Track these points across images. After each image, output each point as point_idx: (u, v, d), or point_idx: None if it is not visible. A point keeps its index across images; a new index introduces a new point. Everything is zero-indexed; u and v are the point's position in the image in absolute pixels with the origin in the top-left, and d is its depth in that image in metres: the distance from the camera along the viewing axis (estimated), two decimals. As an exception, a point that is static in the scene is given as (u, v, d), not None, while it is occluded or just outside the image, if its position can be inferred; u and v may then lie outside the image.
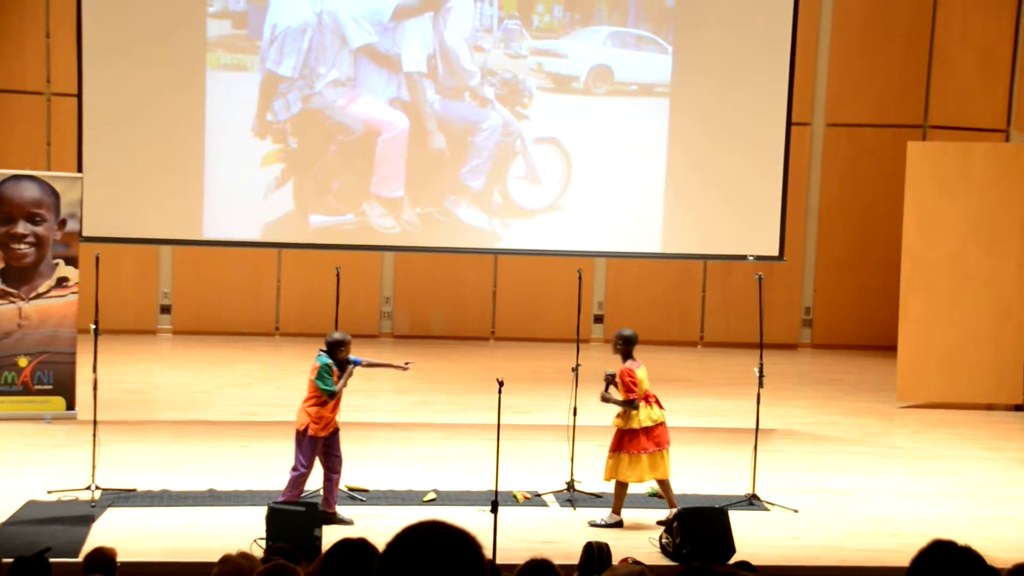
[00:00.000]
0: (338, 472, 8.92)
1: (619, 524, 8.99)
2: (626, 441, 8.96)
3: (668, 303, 16.52)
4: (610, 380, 9.05)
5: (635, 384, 8.94)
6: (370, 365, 9.40)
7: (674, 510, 8.81)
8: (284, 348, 15.55)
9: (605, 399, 9.05)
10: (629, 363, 9.02)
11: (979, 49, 15.80)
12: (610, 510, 9.06)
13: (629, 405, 8.93)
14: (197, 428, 11.50)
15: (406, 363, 9.28)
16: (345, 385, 8.91)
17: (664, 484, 9.08)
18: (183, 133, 12.40)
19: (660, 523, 8.90)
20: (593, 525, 8.97)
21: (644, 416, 8.96)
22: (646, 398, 9.02)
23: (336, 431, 8.94)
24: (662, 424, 9.02)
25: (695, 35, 12.92)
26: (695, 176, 12.95)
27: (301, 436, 8.79)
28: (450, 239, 12.94)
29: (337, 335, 8.99)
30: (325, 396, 8.76)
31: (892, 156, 15.61)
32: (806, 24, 14.74)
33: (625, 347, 9.08)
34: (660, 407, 9.07)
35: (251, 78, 12.51)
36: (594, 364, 15.06)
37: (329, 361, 8.82)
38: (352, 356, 8.98)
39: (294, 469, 8.79)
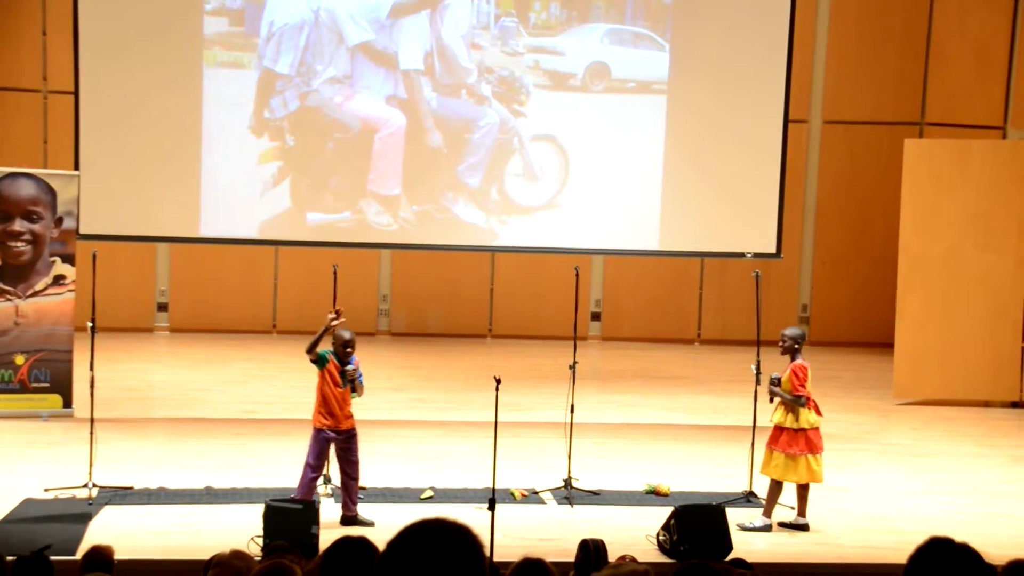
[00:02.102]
0: (354, 477, 8.88)
1: (768, 528, 8.97)
2: (785, 440, 8.95)
3: (665, 300, 16.53)
4: (776, 383, 9.01)
5: (805, 382, 8.94)
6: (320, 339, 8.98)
7: (802, 519, 8.92)
8: (281, 346, 15.54)
9: (773, 393, 9.03)
10: (801, 361, 9.01)
11: (976, 46, 15.80)
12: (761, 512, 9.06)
13: (796, 401, 8.92)
14: (194, 426, 11.49)
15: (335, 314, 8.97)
16: (340, 397, 8.81)
17: (805, 489, 9.05)
18: (180, 130, 12.39)
19: (782, 524, 8.95)
20: (742, 528, 8.90)
21: (804, 418, 8.96)
22: (808, 399, 9.02)
23: (354, 435, 8.91)
24: (817, 429, 9.02)
25: (692, 32, 12.92)
26: (692, 173, 12.95)
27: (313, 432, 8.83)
28: (447, 237, 12.94)
29: (337, 331, 8.97)
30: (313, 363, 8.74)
31: (889, 153, 15.62)
32: (803, 21, 14.74)
33: (796, 345, 9.06)
34: (819, 413, 9.06)
35: (248, 75, 12.50)
36: (591, 362, 15.14)
37: (329, 353, 8.82)
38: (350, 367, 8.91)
39: (304, 466, 8.80)
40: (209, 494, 9.37)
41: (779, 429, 8.99)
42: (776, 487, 9.04)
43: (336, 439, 8.81)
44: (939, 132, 15.75)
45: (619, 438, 11.50)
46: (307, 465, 8.79)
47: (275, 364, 14.45)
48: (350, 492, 8.84)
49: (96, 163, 12.10)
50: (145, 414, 11.93)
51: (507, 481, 9.47)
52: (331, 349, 8.85)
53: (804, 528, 8.95)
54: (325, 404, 8.79)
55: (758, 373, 9.84)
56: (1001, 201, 13.28)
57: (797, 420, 8.94)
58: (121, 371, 13.31)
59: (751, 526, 8.91)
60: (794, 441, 8.93)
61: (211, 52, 12.47)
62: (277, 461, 10.24)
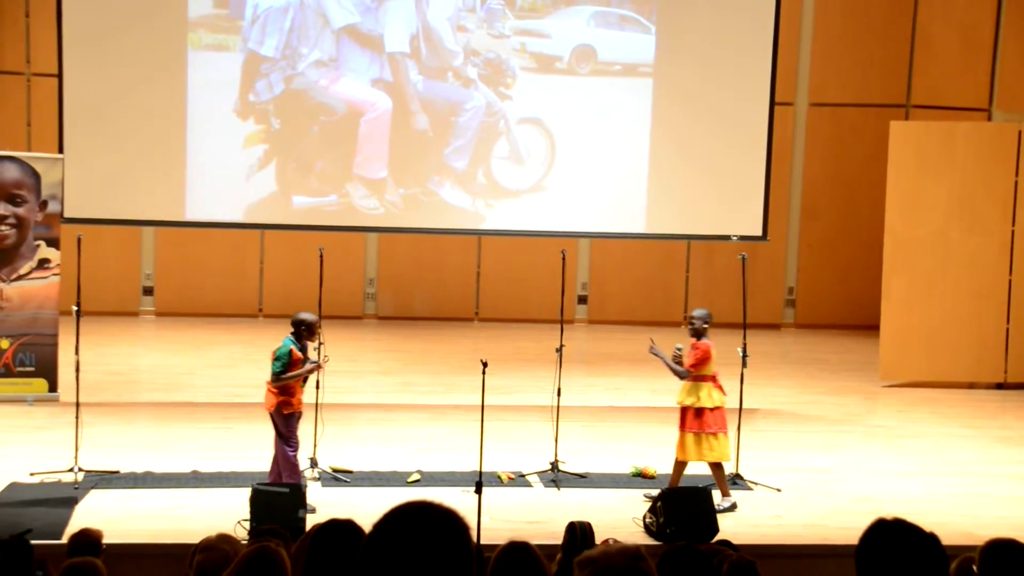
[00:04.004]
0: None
1: (734, 507, 9.01)
2: (701, 420, 9.01)
3: (652, 283, 16.54)
4: (678, 356, 9.11)
5: (705, 362, 9.02)
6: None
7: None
8: (267, 329, 15.48)
9: (656, 355, 9.11)
10: (705, 340, 9.11)
11: (961, 28, 15.81)
12: (722, 495, 9.09)
13: (680, 374, 9.02)
14: (180, 410, 11.47)
15: (321, 361, 9.06)
16: (302, 378, 8.83)
17: (684, 467, 9.15)
18: (165, 114, 12.33)
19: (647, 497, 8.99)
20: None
21: (717, 397, 9.05)
22: (713, 379, 9.09)
23: (301, 415, 8.92)
24: (721, 408, 9.10)
25: (678, 15, 12.90)
26: (678, 156, 12.95)
27: (276, 416, 8.78)
28: (434, 220, 12.92)
29: (301, 314, 8.97)
30: (272, 378, 8.74)
31: (875, 136, 15.63)
32: (789, 3, 14.72)
33: (704, 325, 9.14)
34: (723, 392, 9.14)
35: (233, 58, 12.44)
36: (578, 345, 15.14)
37: (292, 344, 8.80)
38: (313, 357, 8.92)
39: (282, 453, 8.76)
40: (195, 478, 9.36)
41: (690, 410, 9.03)
42: (717, 467, 9.08)
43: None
44: (925, 114, 15.76)
45: (606, 421, 11.52)
46: (290, 451, 8.75)
47: (261, 348, 14.36)
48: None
49: (80, 146, 12.04)
50: (131, 398, 11.91)
51: (494, 464, 9.49)
52: (290, 340, 8.81)
53: (734, 508, 8.99)
54: (290, 391, 8.77)
55: (745, 356, 9.87)
56: (986, 183, 13.30)
57: (712, 399, 9.00)
58: (107, 355, 13.28)
59: (720, 508, 8.94)
60: (714, 420, 9.00)
61: (196, 35, 12.41)
62: (263, 445, 10.21)
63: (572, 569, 5.18)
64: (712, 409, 9.03)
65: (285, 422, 8.77)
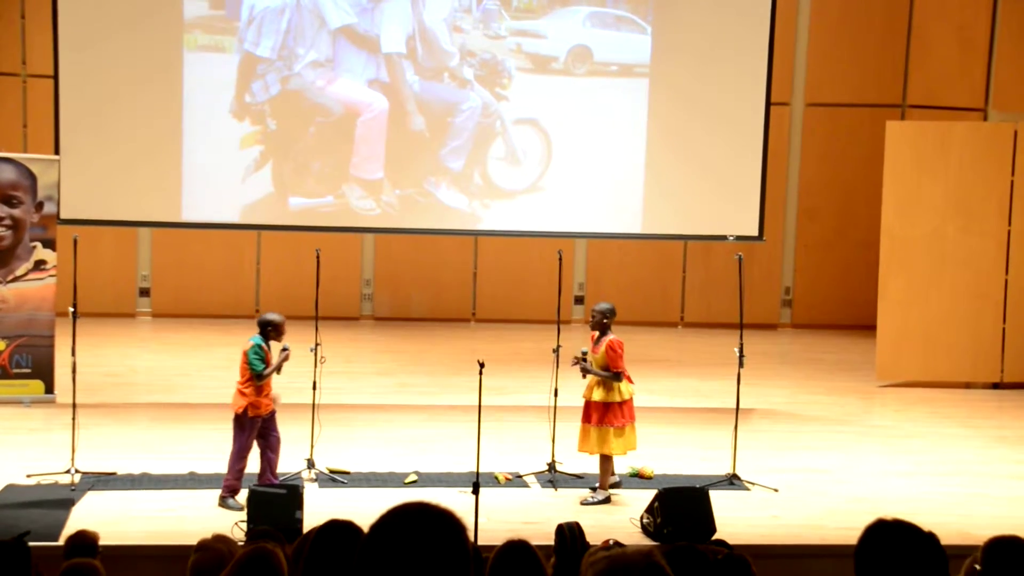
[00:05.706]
0: (276, 452, 8.90)
1: (608, 500, 9.08)
2: (611, 414, 9.04)
3: (648, 284, 16.54)
4: (583, 357, 9.10)
5: (622, 356, 9.08)
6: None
7: (605, 492, 9.06)
8: (264, 330, 15.49)
9: (586, 371, 9.14)
10: (615, 336, 9.13)
11: (957, 28, 15.82)
12: (598, 487, 9.17)
13: (614, 377, 9.05)
14: (177, 411, 11.46)
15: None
16: (278, 371, 8.84)
17: (610, 461, 9.24)
18: (161, 115, 12.32)
19: (586, 503, 9.05)
20: (585, 503, 9.03)
21: (626, 390, 9.07)
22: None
23: (273, 412, 8.92)
24: (630, 400, 9.18)
25: (675, 15, 12.90)
26: (675, 156, 12.95)
27: (240, 418, 8.77)
28: (430, 221, 12.92)
29: (269, 315, 8.98)
30: (253, 378, 8.73)
31: (871, 136, 15.63)
32: (785, 3, 14.72)
33: (605, 320, 9.18)
34: (631, 382, 9.23)
35: (229, 59, 12.43)
36: (575, 345, 15.04)
37: (261, 342, 8.79)
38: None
39: (235, 453, 8.77)
40: (192, 479, 9.36)
41: (598, 404, 9.07)
42: (607, 460, 9.15)
43: (261, 421, 8.85)
44: (921, 114, 15.77)
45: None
46: (242, 455, 8.76)
47: (258, 349, 14.39)
48: (273, 467, 8.88)
49: (77, 147, 12.03)
50: (128, 399, 11.89)
51: (491, 465, 9.49)
52: (259, 339, 8.79)
53: (608, 500, 9.07)
54: (262, 391, 8.77)
55: (742, 356, 9.87)
56: (983, 183, 13.31)
57: (620, 393, 9.04)
58: (103, 356, 13.27)
59: (592, 500, 9.05)
60: (621, 413, 9.03)
61: (191, 36, 12.40)
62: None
63: (569, 571, 5.17)
64: (621, 403, 9.05)
65: (251, 424, 8.75)
